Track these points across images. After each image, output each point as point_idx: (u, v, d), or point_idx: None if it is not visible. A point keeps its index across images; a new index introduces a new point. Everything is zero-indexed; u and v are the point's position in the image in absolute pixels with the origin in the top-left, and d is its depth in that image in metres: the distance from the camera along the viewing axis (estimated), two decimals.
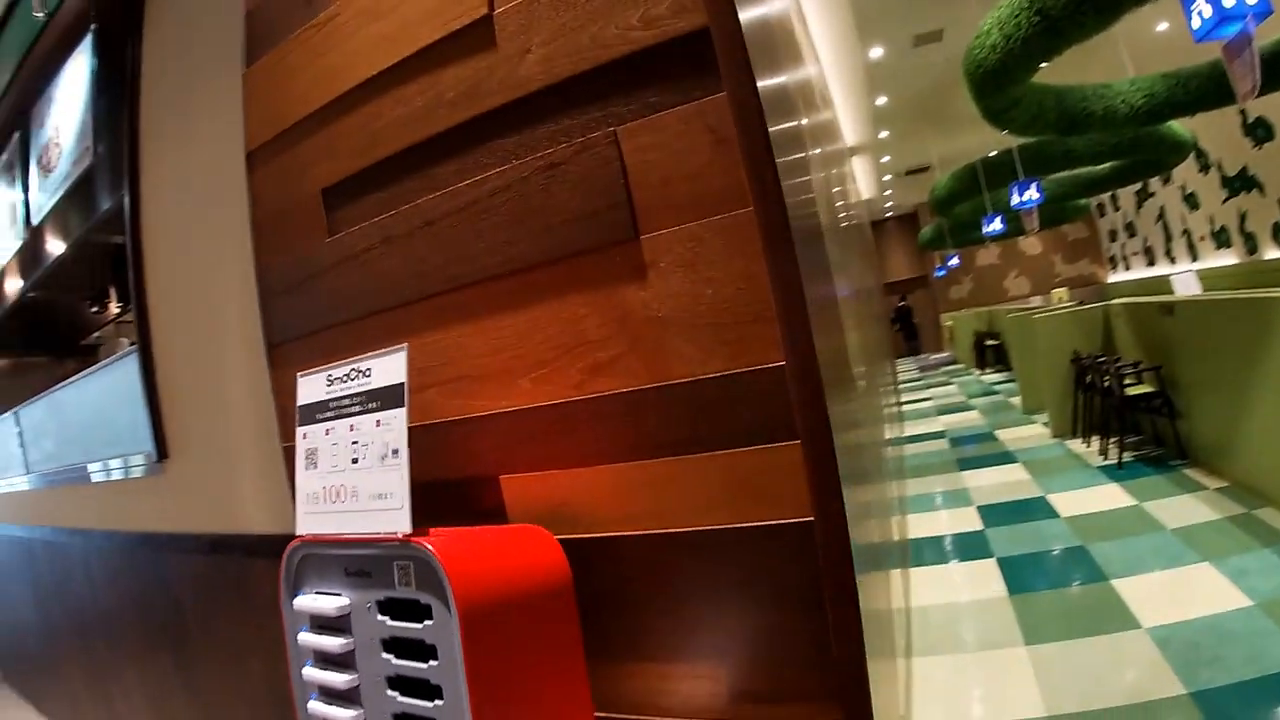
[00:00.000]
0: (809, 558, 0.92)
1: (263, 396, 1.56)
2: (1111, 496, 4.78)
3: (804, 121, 2.11)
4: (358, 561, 0.86)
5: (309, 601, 0.90)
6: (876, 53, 8.63)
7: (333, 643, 0.87)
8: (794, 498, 0.92)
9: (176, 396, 2.12)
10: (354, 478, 0.89)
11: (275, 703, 2.02)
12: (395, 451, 0.85)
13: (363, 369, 0.90)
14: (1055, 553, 4.05)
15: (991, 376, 12.84)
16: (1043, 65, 5.63)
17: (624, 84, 1.01)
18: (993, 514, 4.92)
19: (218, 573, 2.10)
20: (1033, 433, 7.40)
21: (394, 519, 0.82)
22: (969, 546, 4.38)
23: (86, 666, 3.40)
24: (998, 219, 11.66)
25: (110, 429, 2.73)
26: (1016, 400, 9.22)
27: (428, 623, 0.79)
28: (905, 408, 10.75)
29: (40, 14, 2.49)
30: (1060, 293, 13.01)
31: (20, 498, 3.74)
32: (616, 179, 1.00)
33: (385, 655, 0.83)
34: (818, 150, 2.56)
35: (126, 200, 2.27)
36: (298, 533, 0.93)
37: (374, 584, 0.85)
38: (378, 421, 0.87)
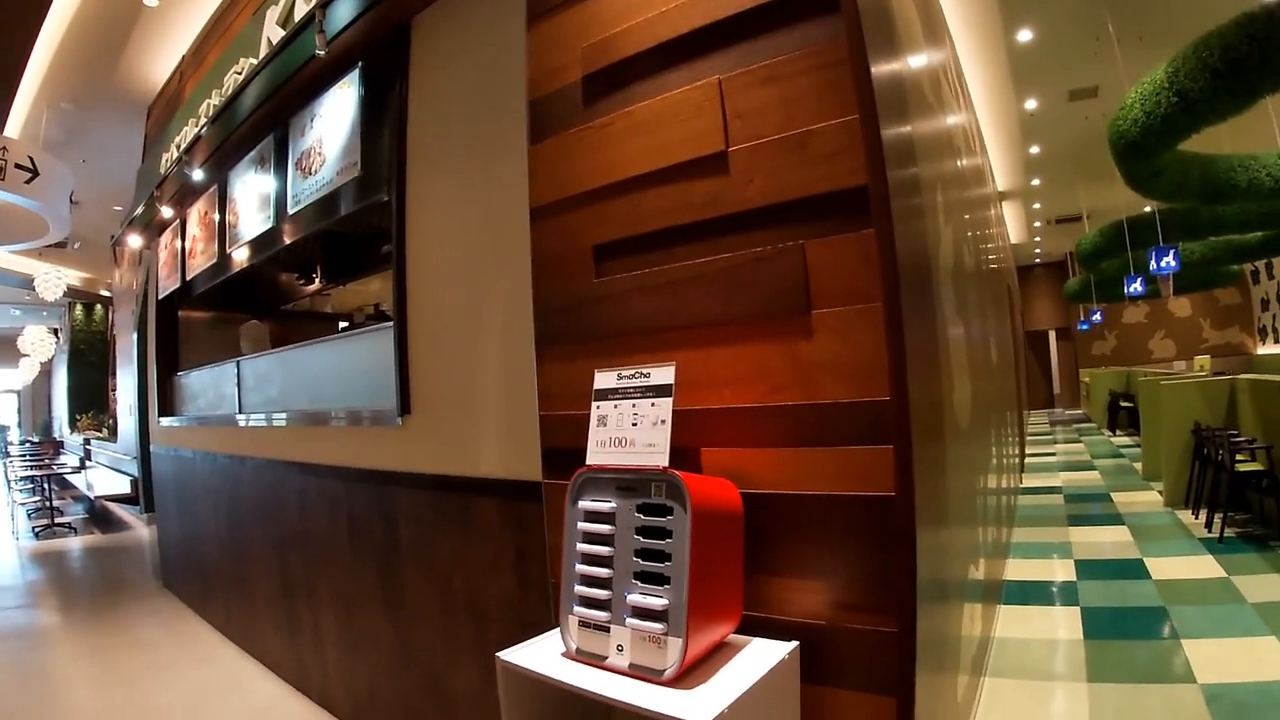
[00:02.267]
0: (889, 518, 1.62)
1: (522, 379, 2.35)
2: (1204, 567, 5.24)
3: (939, 230, 2.80)
4: (628, 481, 1.62)
5: (589, 504, 1.66)
6: (1031, 104, 9.08)
7: (602, 528, 1.62)
8: (883, 480, 1.62)
9: (422, 368, 2.96)
10: (632, 434, 1.64)
11: (470, 612, 2.82)
12: (663, 421, 1.61)
13: (644, 372, 1.67)
14: (1137, 609, 4.55)
15: (1121, 439, 13.01)
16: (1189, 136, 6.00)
17: (812, 213, 1.73)
18: (1088, 569, 5.44)
19: (435, 505, 2.93)
20: (1146, 499, 7.76)
21: (658, 459, 1.58)
22: (1059, 594, 4.94)
23: (276, 581, 4.30)
24: (1139, 280, 11.83)
25: (350, 384, 3.65)
26: (1139, 465, 9.55)
27: (669, 518, 1.54)
28: (1028, 460, 11.10)
29: (322, 52, 3.32)
30: (1204, 360, 13.00)
31: (237, 432, 4.69)
32: (800, 274, 1.72)
33: (636, 536, 1.57)
34: (950, 234, 3.23)
35: (394, 209, 3.15)
36: (588, 463, 1.70)
37: (636, 495, 1.60)
38: (652, 404, 1.63)
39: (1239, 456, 5.92)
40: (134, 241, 6.36)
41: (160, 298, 6.20)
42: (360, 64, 3.43)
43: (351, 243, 5.28)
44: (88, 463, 13.60)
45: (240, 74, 4.30)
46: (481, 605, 2.76)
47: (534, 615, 2.50)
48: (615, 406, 1.71)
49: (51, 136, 7.75)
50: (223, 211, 4.88)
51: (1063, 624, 4.39)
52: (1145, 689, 3.50)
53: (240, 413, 4.76)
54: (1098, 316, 17.84)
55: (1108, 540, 6.28)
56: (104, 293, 16.90)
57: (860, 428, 1.62)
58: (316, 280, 6.17)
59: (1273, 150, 7.79)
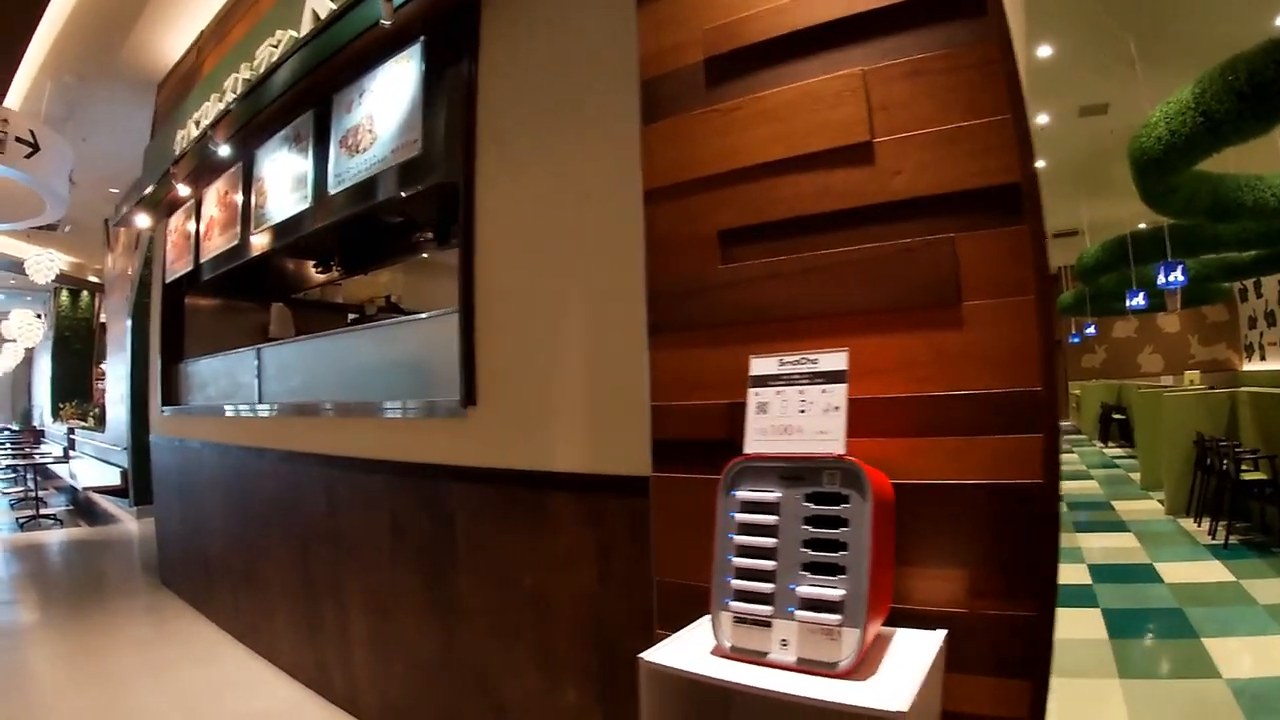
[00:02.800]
0: (1035, 504, 1.53)
1: (624, 368, 2.22)
2: (1213, 571, 5.45)
3: None
4: (793, 470, 1.50)
5: (748, 494, 1.53)
6: (1043, 119, 9.14)
7: (764, 519, 1.50)
8: (1032, 468, 1.53)
9: (491, 356, 2.82)
10: (800, 421, 1.52)
11: (535, 612, 2.69)
12: (836, 407, 1.49)
13: (810, 357, 1.55)
14: (1154, 610, 4.73)
15: (1114, 450, 13.28)
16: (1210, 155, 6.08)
17: (961, 208, 1.64)
18: (1101, 573, 5.58)
19: (500, 501, 2.78)
20: (1147, 507, 7.91)
21: (831, 446, 1.46)
22: (1077, 596, 5.02)
23: (296, 579, 4.12)
24: (1141, 294, 12.01)
25: (395, 375, 3.49)
26: (1136, 476, 9.77)
27: (844, 506, 1.43)
28: None
29: (388, 22, 3.16)
30: (1193, 374, 13.20)
31: (254, 423, 4.49)
32: (951, 267, 1.63)
33: (804, 526, 1.46)
34: None
35: (462, 189, 3.00)
36: (748, 452, 1.57)
37: (803, 484, 1.48)
38: (823, 390, 1.51)
39: (1243, 466, 6.04)
40: (141, 221, 6.12)
41: (167, 282, 5.98)
42: (423, 37, 3.29)
43: (374, 231, 5.11)
44: (71, 452, 13.23)
45: (276, 47, 4.13)
46: (550, 605, 2.63)
47: (616, 614, 2.39)
48: (778, 393, 1.60)
49: (52, 112, 7.45)
50: (247, 191, 4.70)
51: (1086, 625, 4.50)
52: (1174, 684, 3.69)
53: (260, 402, 4.58)
54: (1091, 330, 18.06)
55: (1116, 546, 6.42)
56: (92, 279, 16.49)
57: (1010, 417, 1.57)
58: (334, 269, 5.99)
59: (1277, 171, 7.91)
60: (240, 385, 4.89)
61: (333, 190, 3.80)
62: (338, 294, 7.16)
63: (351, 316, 6.71)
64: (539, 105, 2.75)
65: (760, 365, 1.63)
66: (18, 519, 9.59)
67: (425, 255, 5.42)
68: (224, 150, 4.57)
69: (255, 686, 4.15)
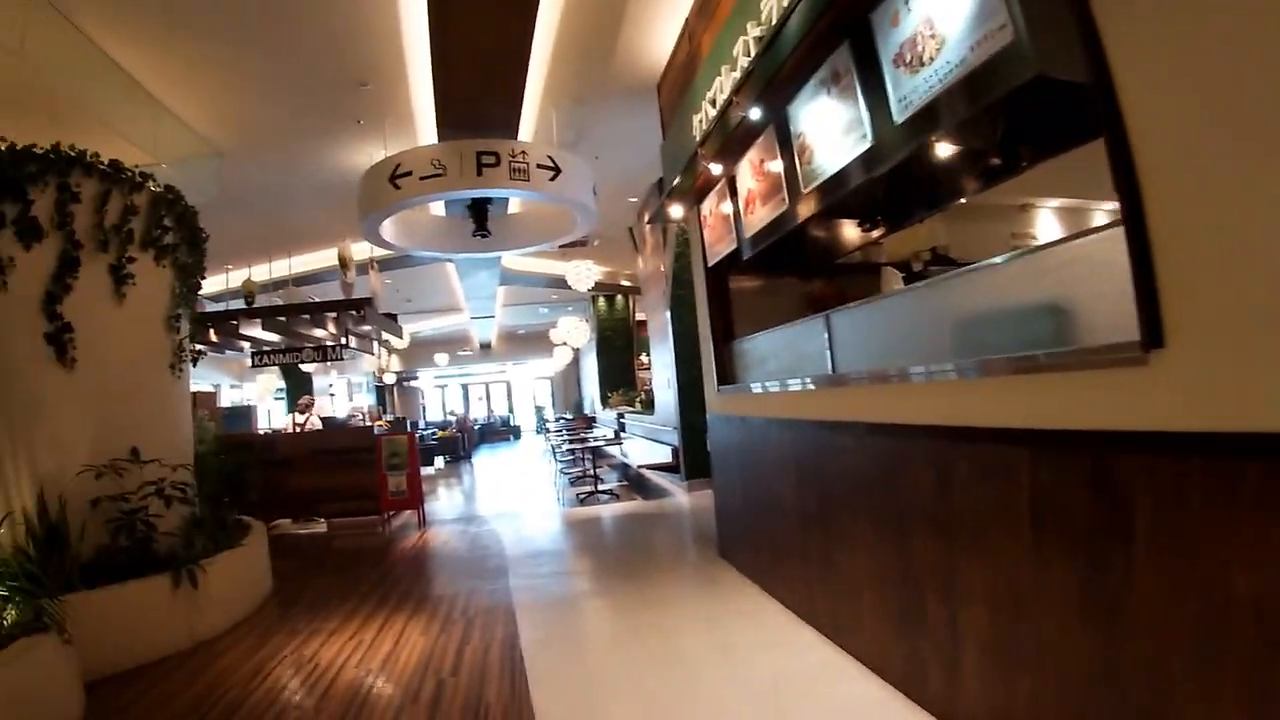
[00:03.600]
0: None
1: None
2: None
3: None
4: None
5: None
6: None
7: None
8: None
9: (1182, 280, 1.99)
10: None
11: (1255, 627, 1.82)
12: None
13: None
14: None
15: None
16: None
17: None
18: None
19: (1207, 478, 1.95)
20: None
21: None
22: None
23: (889, 565, 3.60)
24: None
25: (1011, 325, 2.80)
26: None
27: None
28: None
29: None
30: None
31: (827, 395, 4.10)
32: None
33: None
34: None
35: (1093, 68, 2.21)
36: None
37: None
38: None
39: None
40: (675, 212, 6.26)
41: (709, 265, 5.98)
42: None
43: (915, 175, 4.49)
44: (622, 434, 14.73)
45: None
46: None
47: None
48: None
49: (564, 137, 8.13)
50: (786, 153, 4.36)
51: None
52: None
53: (835, 372, 4.19)
54: None
55: None
56: (624, 283, 18.41)
57: None
58: (878, 224, 5.54)
59: None
60: (806, 357, 4.59)
61: (899, 118, 3.23)
62: (879, 254, 6.75)
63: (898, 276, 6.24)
64: None
65: None
66: (578, 494, 10.76)
67: (964, 200, 4.73)
68: (755, 113, 4.31)
69: (831, 677, 3.83)
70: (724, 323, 6.09)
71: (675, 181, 5.80)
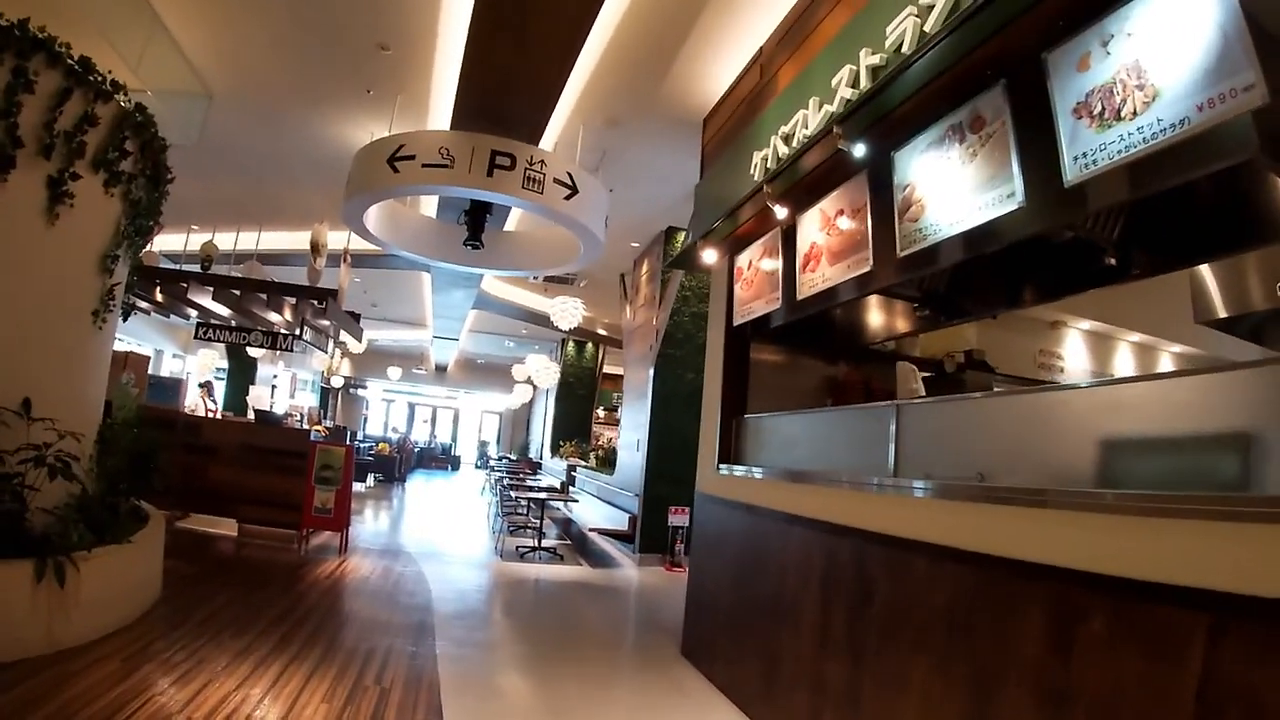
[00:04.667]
0: None
1: None
2: None
3: None
4: None
5: None
6: None
7: None
8: None
9: None
10: None
11: None
12: None
13: None
14: None
15: None
16: None
17: None
18: None
19: None
20: None
21: None
22: None
23: None
24: None
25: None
26: None
27: None
28: None
29: None
30: None
31: (892, 503, 3.29)
32: None
33: None
34: None
35: None
36: None
37: None
38: None
39: None
40: (708, 258, 5.51)
41: (733, 326, 5.22)
42: None
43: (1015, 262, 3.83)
44: (570, 488, 13.82)
45: (925, 14, 3.05)
46: None
47: None
48: None
49: (584, 159, 7.36)
50: (880, 207, 3.65)
51: None
52: None
53: (897, 475, 3.40)
54: None
55: None
56: (601, 331, 17.63)
57: None
58: (928, 313, 4.86)
59: None
60: (856, 451, 3.82)
61: (1072, 178, 2.52)
62: (911, 347, 6.09)
63: (922, 375, 5.53)
64: None
65: None
66: (518, 548, 9.75)
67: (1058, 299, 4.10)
68: (859, 150, 3.57)
69: None
70: (737, 394, 5.32)
71: (714, 225, 5.07)
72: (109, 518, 4.80)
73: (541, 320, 16.35)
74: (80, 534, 4.35)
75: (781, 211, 4.36)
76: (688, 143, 7.12)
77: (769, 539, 4.49)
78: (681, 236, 10.13)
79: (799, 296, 4.34)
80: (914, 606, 3.14)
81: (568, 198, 6.24)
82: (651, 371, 9.76)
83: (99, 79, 4.63)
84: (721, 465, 5.22)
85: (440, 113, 7.17)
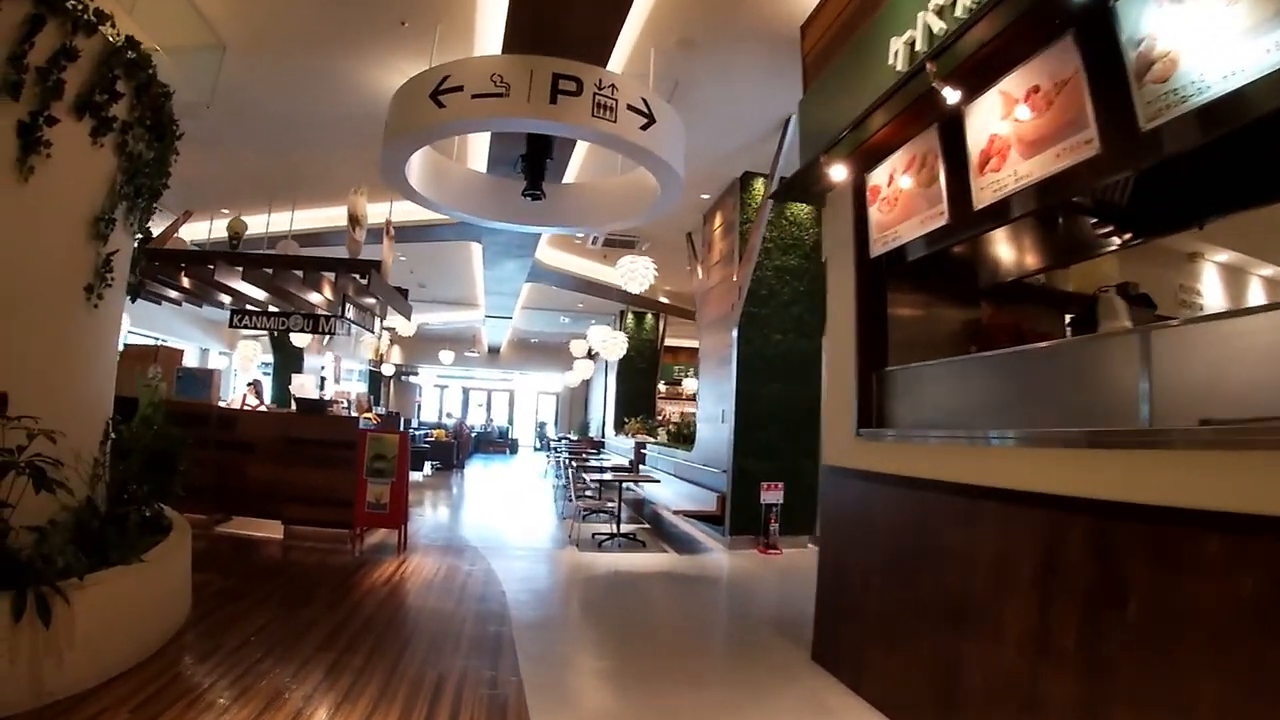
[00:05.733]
0: None
1: None
2: None
3: None
4: None
5: None
6: None
7: None
8: None
9: None
10: None
11: None
12: None
13: None
14: None
15: None
16: None
17: None
18: None
19: None
20: None
21: None
22: None
23: None
24: None
25: None
26: None
27: None
28: None
29: None
30: None
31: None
32: None
33: None
34: None
35: None
36: None
37: None
38: None
39: None
40: (836, 175, 4.52)
41: (871, 258, 4.32)
42: None
43: None
44: (642, 467, 13.02)
45: None
46: None
47: None
48: None
49: (656, 88, 6.41)
50: (1108, 67, 2.72)
51: None
52: None
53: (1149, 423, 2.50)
54: None
55: None
56: (663, 299, 16.73)
57: None
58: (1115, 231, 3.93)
59: None
60: (1080, 397, 2.92)
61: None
62: (1063, 281, 5.17)
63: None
64: None
65: None
66: (594, 535, 8.95)
67: None
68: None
69: None
70: (876, 343, 4.40)
71: (841, 135, 4.18)
72: (114, 532, 4.04)
73: (599, 291, 15.53)
74: (70, 557, 3.56)
75: (953, 95, 3.42)
76: (777, 62, 6.21)
77: (939, 519, 3.59)
78: (760, 184, 9.21)
79: (976, 206, 3.41)
80: (1200, 602, 2.25)
81: (644, 127, 5.37)
82: (735, 333, 8.85)
83: (77, 5, 3.87)
84: (862, 430, 4.33)
85: (488, 39, 6.28)
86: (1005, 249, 4.79)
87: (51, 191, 3.85)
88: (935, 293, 4.75)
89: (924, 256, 4.17)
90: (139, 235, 4.79)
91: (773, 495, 8.50)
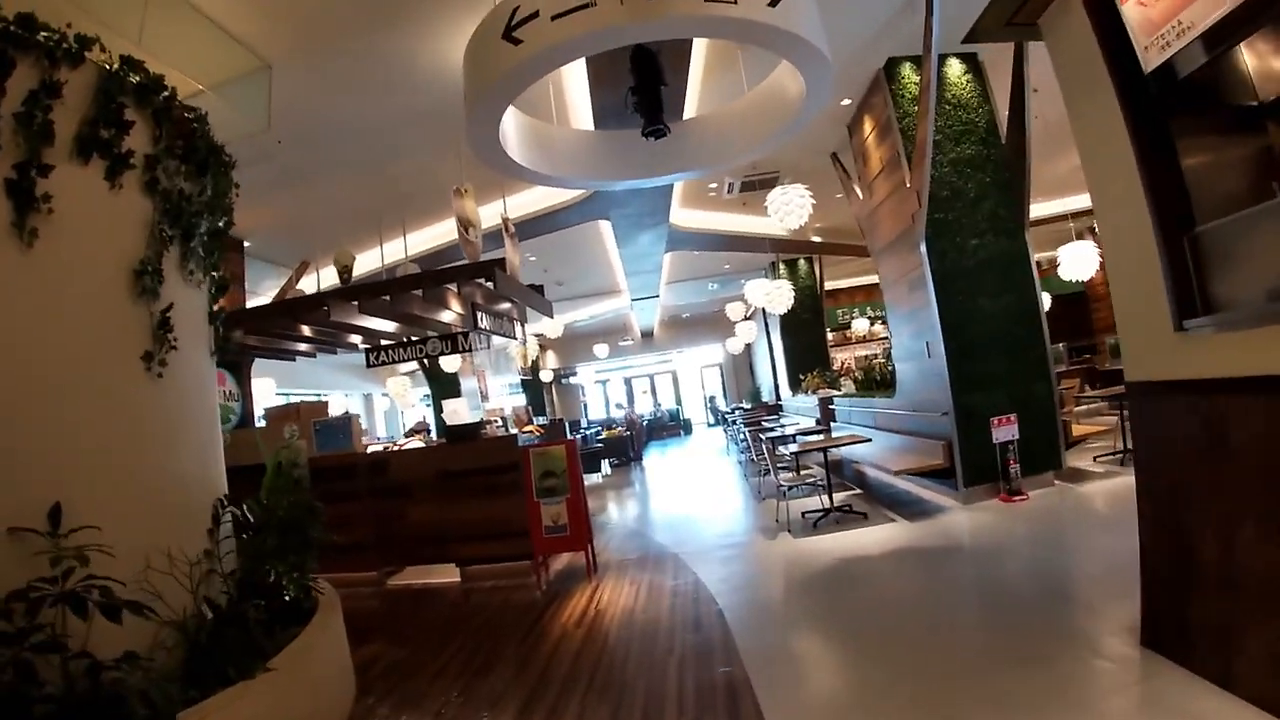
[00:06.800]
0: None
1: None
2: None
3: None
4: None
5: None
6: None
7: None
8: None
9: None
10: None
11: None
12: None
13: None
14: None
15: None
16: None
17: None
18: None
19: None
20: None
21: None
22: None
23: None
24: None
25: None
26: None
27: None
28: None
29: None
30: None
31: None
32: None
33: None
34: None
35: None
36: None
37: None
38: None
39: None
40: None
41: (1147, 71, 3.02)
42: None
43: None
44: (832, 423, 11.80)
45: None
46: None
47: None
48: None
49: None
50: None
51: None
52: None
53: None
54: None
55: None
56: (814, 238, 15.32)
57: None
58: None
59: None
60: None
61: None
62: None
63: None
64: None
65: None
66: (804, 514, 7.83)
67: None
68: None
69: None
70: (1173, 194, 3.09)
71: None
72: (234, 637, 3.28)
73: (744, 244, 14.34)
74: (158, 697, 2.68)
75: None
76: None
77: None
78: (909, 70, 7.81)
79: None
80: None
81: (772, 3, 4.22)
82: (923, 248, 7.48)
83: (49, 37, 3.10)
84: (1187, 322, 3.03)
85: None
86: None
87: (67, 251, 3.10)
88: (1214, 116, 3.38)
89: (1204, 65, 2.87)
90: (205, 282, 4.07)
91: (1006, 431, 7.13)
